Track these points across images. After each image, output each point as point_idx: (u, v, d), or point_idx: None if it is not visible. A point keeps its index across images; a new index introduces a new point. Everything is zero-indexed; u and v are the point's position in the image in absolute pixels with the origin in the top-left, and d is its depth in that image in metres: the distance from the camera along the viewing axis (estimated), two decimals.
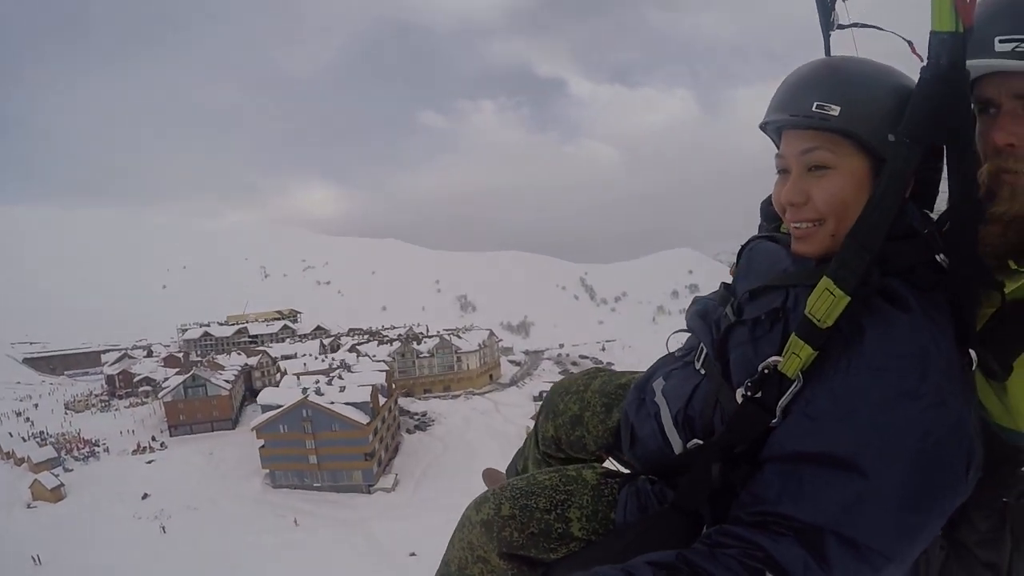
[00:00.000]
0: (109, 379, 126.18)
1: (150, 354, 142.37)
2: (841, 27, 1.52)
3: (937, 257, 1.26)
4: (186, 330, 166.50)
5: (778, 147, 1.48)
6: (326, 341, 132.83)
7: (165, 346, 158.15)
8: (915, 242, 1.30)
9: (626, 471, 1.92)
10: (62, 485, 72.45)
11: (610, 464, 2.04)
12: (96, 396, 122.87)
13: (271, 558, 53.64)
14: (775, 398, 1.27)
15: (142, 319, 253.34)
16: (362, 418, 72.13)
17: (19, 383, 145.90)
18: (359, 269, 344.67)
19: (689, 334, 1.83)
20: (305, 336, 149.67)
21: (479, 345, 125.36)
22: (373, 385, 78.05)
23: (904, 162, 1.22)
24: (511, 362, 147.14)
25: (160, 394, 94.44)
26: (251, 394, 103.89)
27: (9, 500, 70.30)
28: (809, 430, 1.20)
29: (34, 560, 56.35)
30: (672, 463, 1.62)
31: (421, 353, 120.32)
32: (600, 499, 1.70)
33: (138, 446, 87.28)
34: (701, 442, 1.52)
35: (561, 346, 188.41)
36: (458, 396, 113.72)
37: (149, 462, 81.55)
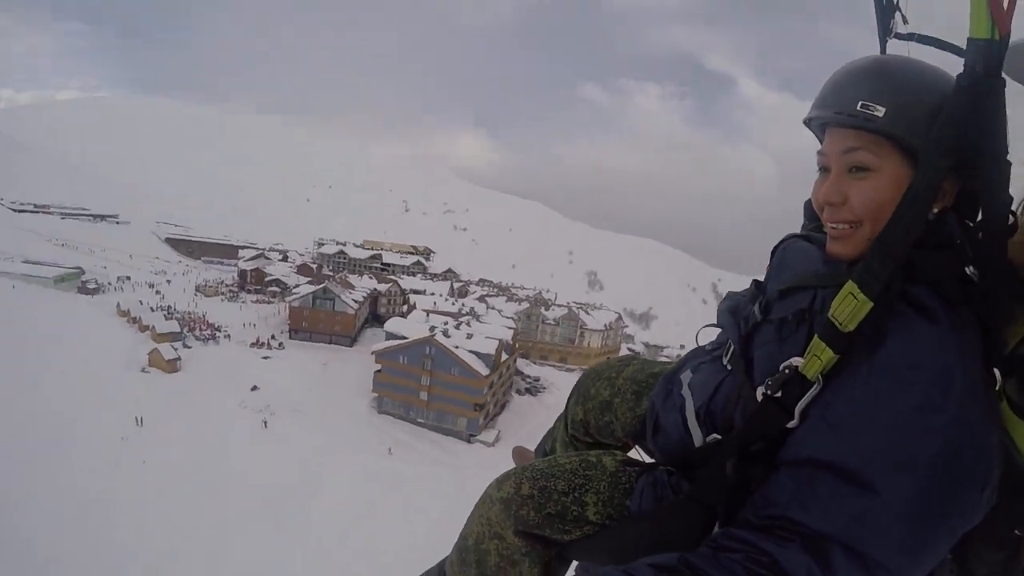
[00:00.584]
0: (241, 273, 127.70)
1: (285, 258, 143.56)
2: (899, 36, 1.49)
3: (967, 269, 1.22)
4: (323, 244, 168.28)
5: (821, 144, 1.43)
6: (456, 285, 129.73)
7: (300, 255, 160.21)
8: (946, 252, 1.25)
9: (649, 460, 1.93)
10: (179, 359, 72.12)
11: (636, 452, 2.07)
12: (226, 286, 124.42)
13: (359, 479, 51.22)
14: (794, 399, 1.26)
15: (280, 226, 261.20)
16: (482, 369, 68.73)
17: (157, 258, 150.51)
18: (497, 223, 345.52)
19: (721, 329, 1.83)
20: (436, 275, 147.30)
21: (605, 326, 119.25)
22: (500, 340, 74.43)
23: (934, 170, 1.18)
24: (630, 350, 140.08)
25: (288, 298, 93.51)
26: (373, 318, 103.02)
27: (127, 362, 70.62)
28: (824, 437, 1.18)
29: (137, 421, 55.68)
30: (691, 456, 1.62)
31: (547, 319, 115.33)
32: (617, 486, 1.73)
33: (257, 340, 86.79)
34: (720, 437, 1.52)
35: (682, 347, 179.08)
36: (572, 370, 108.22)
37: (265, 358, 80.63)
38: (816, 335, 1.23)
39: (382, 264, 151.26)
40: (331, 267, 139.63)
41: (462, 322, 79.36)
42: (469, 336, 73.66)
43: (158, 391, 63.15)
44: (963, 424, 1.07)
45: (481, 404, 68.90)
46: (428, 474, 56.55)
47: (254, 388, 68.35)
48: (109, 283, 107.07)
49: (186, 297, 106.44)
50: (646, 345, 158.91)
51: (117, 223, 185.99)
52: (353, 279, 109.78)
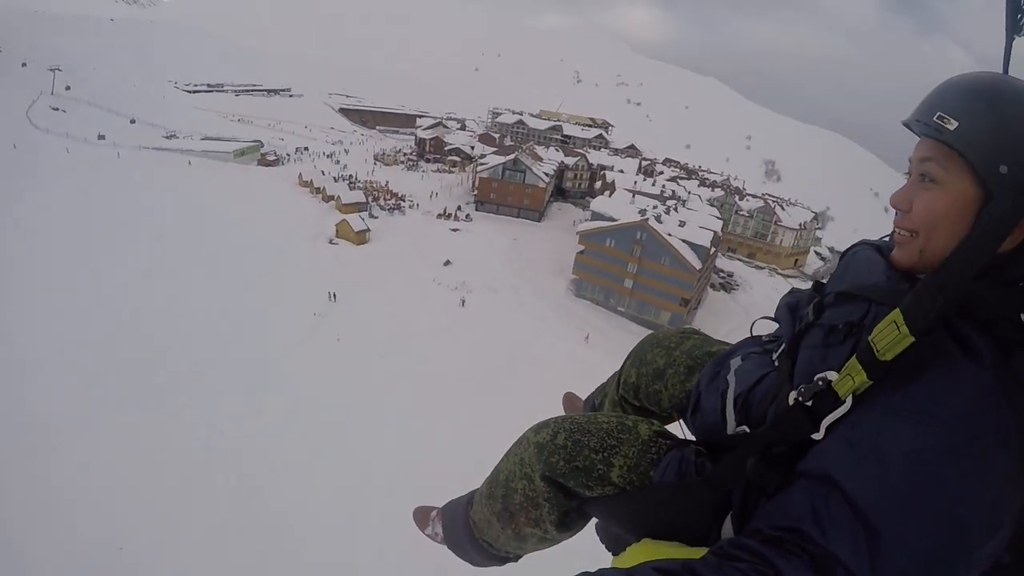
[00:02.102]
0: (420, 141, 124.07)
1: (463, 127, 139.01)
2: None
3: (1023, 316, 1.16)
4: (499, 114, 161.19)
5: None
6: (643, 163, 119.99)
7: (477, 123, 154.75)
8: (1011, 292, 1.20)
9: (690, 438, 1.94)
10: (368, 230, 68.89)
11: (679, 426, 2.09)
12: (404, 155, 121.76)
13: (558, 367, 45.37)
14: (823, 413, 1.25)
15: (451, 96, 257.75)
16: (694, 261, 61.48)
17: (332, 128, 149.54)
18: (672, 99, 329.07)
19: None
20: (619, 151, 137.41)
21: (799, 225, 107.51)
22: (714, 231, 66.78)
23: (1012, 208, 1.14)
24: (816, 253, 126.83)
25: (477, 168, 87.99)
26: (558, 192, 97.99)
27: (314, 234, 68.47)
28: (845, 458, 1.16)
29: (330, 296, 52.59)
30: (719, 441, 1.68)
31: (740, 210, 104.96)
32: (646, 454, 1.74)
33: (444, 211, 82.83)
34: (748, 430, 1.56)
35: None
36: (762, 268, 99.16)
37: (454, 230, 76.54)
38: (855, 355, 1.21)
39: (562, 136, 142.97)
40: (510, 137, 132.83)
41: (669, 208, 71.41)
42: (681, 224, 66.02)
43: (348, 264, 60.30)
44: (980, 476, 1.05)
45: (688, 299, 62.54)
46: None
47: (447, 263, 64.24)
48: (288, 154, 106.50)
49: (365, 166, 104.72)
50: (831, 250, 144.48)
51: (291, 96, 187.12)
52: (540, 151, 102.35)
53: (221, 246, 57.54)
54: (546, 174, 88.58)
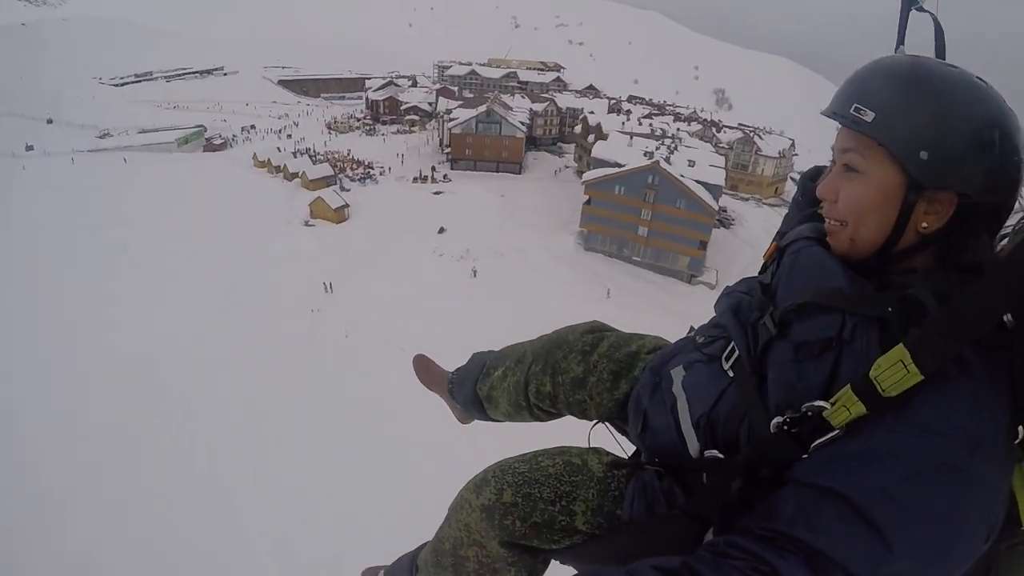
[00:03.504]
0: (372, 104, 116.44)
1: (415, 84, 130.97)
2: (920, 9, 1.53)
3: (1005, 317, 1.12)
4: (447, 68, 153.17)
5: None
6: (610, 103, 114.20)
7: (426, 77, 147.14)
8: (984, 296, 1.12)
9: (623, 450, 1.89)
10: (347, 206, 62.30)
11: (608, 428, 2.03)
12: (358, 119, 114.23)
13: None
14: (811, 438, 1.21)
15: (388, 54, 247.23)
16: (711, 201, 57.66)
17: (275, 102, 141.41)
18: (615, 36, 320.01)
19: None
20: (578, 92, 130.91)
21: (779, 153, 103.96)
22: (725, 168, 64.32)
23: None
24: (791, 179, 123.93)
25: (448, 124, 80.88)
26: (530, 141, 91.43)
27: (286, 218, 61.98)
28: (839, 469, 1.14)
29: (325, 287, 46.36)
30: (685, 463, 1.55)
31: (720, 143, 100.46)
32: (606, 493, 1.70)
33: (420, 174, 76.73)
34: (720, 456, 1.45)
35: None
36: (747, 199, 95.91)
37: (436, 193, 70.91)
38: (849, 387, 1.15)
39: (519, 82, 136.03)
40: (470, 90, 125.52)
41: (673, 148, 66.62)
42: (691, 163, 61.58)
43: (334, 247, 54.15)
44: (983, 484, 1.06)
45: (707, 241, 58.66)
46: (656, 322, 44.57)
47: (441, 230, 58.83)
48: (234, 136, 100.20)
49: (319, 137, 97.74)
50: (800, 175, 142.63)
51: (224, 74, 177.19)
52: (506, 99, 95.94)
53: (188, 247, 50.89)
54: (522, 123, 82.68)
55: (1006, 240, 1.27)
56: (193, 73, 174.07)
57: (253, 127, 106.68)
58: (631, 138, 68.04)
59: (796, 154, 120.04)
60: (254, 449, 29.15)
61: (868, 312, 1.20)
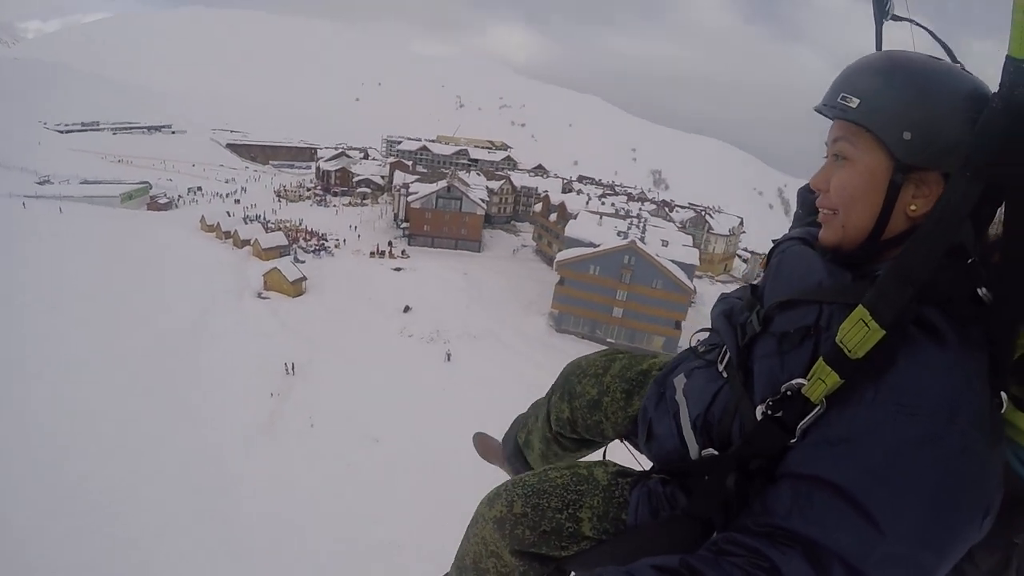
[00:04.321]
0: (324, 174, 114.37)
1: (367, 156, 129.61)
2: (896, 18, 1.59)
3: (979, 291, 1.17)
4: (397, 142, 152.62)
5: None
6: (564, 184, 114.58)
7: (376, 151, 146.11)
8: (959, 271, 1.21)
9: (639, 465, 1.92)
10: (304, 278, 58.75)
11: (626, 446, 2.08)
12: (307, 189, 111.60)
13: None
14: (796, 419, 1.23)
15: (335, 127, 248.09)
16: (687, 281, 57.18)
17: (222, 165, 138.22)
18: (556, 118, 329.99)
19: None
20: (528, 172, 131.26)
21: (729, 231, 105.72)
22: (697, 247, 64.63)
23: (962, 197, 1.14)
24: (739, 257, 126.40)
25: (409, 198, 78.68)
26: (486, 220, 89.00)
27: (238, 288, 57.46)
28: (824, 455, 1.16)
29: (286, 369, 42.25)
30: (687, 467, 1.61)
31: (658, 224, 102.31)
32: (611, 500, 1.73)
33: (377, 249, 73.76)
34: (716, 452, 1.49)
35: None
36: (701, 277, 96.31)
37: (396, 269, 67.83)
38: (821, 358, 1.20)
39: (469, 160, 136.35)
40: (420, 164, 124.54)
41: (643, 225, 66.65)
42: (665, 243, 61.43)
43: (292, 324, 50.20)
44: (967, 455, 1.07)
45: (682, 321, 57.29)
46: None
47: (407, 309, 55.73)
48: (180, 196, 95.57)
49: (267, 204, 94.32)
50: (749, 251, 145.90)
51: (172, 133, 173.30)
52: (463, 176, 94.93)
53: (127, 316, 45.90)
54: (482, 200, 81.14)
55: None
56: (141, 128, 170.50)
57: (200, 189, 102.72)
58: (600, 218, 67.17)
59: (744, 231, 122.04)
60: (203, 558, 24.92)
61: (843, 300, 1.24)
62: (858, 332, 1.13)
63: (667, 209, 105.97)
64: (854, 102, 1.27)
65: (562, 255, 59.95)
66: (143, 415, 33.85)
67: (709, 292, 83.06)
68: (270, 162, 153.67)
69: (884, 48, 1.64)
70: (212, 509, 27.59)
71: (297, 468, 31.35)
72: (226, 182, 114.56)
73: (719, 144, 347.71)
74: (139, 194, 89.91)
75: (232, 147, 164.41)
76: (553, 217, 76.33)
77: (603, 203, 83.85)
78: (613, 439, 2.15)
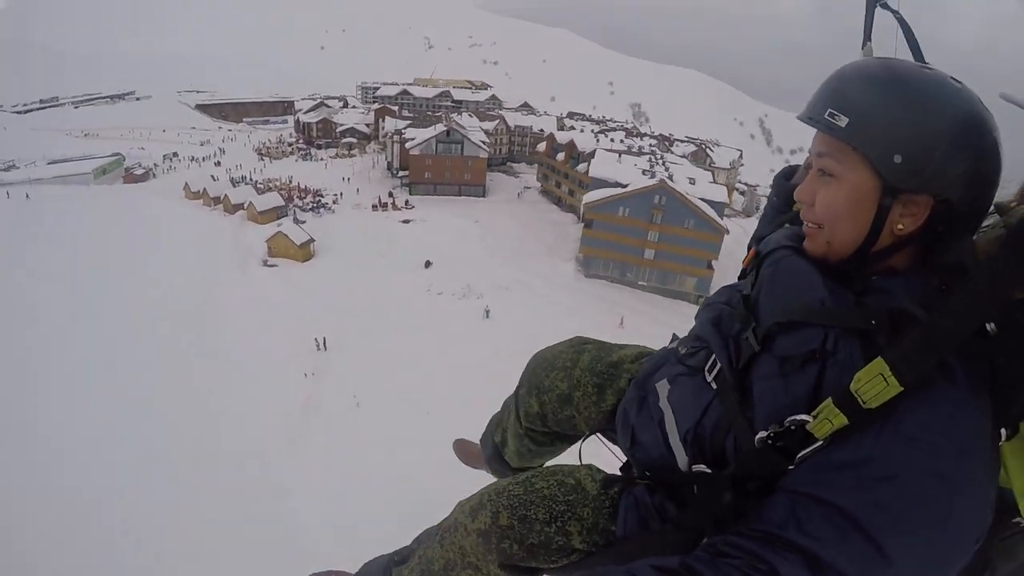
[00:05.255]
0: (305, 127, 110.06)
1: (346, 105, 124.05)
2: (885, 7, 1.58)
3: (988, 326, 1.14)
4: (375, 89, 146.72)
5: None
6: (558, 120, 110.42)
7: (354, 98, 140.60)
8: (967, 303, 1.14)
9: (618, 460, 1.91)
10: (312, 240, 54.90)
11: (601, 440, 2.05)
12: (288, 144, 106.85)
13: None
14: (796, 449, 1.23)
15: (303, 77, 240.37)
16: (718, 219, 54.52)
17: (194, 128, 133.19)
18: (528, 54, 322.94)
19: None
20: (513, 110, 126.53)
21: (730, 164, 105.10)
22: (727, 184, 63.57)
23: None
24: (737, 190, 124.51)
25: (409, 145, 74.47)
26: None
27: (240, 258, 53.64)
28: (829, 479, 1.15)
29: (317, 344, 38.75)
30: (675, 478, 1.58)
31: (675, 160, 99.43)
32: (600, 511, 1.69)
33: (379, 201, 69.98)
34: (708, 470, 1.47)
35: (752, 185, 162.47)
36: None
37: (405, 222, 64.23)
38: (831, 400, 1.17)
39: (453, 101, 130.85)
40: (404, 109, 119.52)
41: (663, 162, 63.54)
42: (692, 181, 58.29)
43: (310, 292, 46.60)
44: (973, 490, 1.07)
45: (715, 260, 54.96)
46: None
47: (428, 264, 52.36)
48: (156, 164, 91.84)
49: (250, 164, 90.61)
50: (746, 184, 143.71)
51: (137, 99, 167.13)
52: (457, 118, 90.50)
53: (130, 302, 41.94)
54: (483, 142, 77.15)
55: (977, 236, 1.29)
56: (103, 98, 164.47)
57: (175, 155, 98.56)
58: (619, 156, 63.59)
59: (743, 164, 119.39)
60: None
61: (850, 325, 1.22)
62: (875, 386, 1.12)
63: (667, 144, 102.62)
64: (842, 120, 1.24)
65: (589, 196, 56.68)
66: (166, 413, 30.61)
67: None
68: (243, 120, 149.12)
69: (872, 35, 1.63)
70: (261, 514, 24.37)
71: (350, 456, 28.02)
72: (201, 144, 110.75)
73: (697, 75, 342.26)
74: (113, 167, 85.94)
75: (202, 108, 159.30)
76: (561, 156, 72.47)
77: (600, 140, 79.55)
78: (586, 434, 2.05)
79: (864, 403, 1.12)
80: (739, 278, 1.67)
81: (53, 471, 26.23)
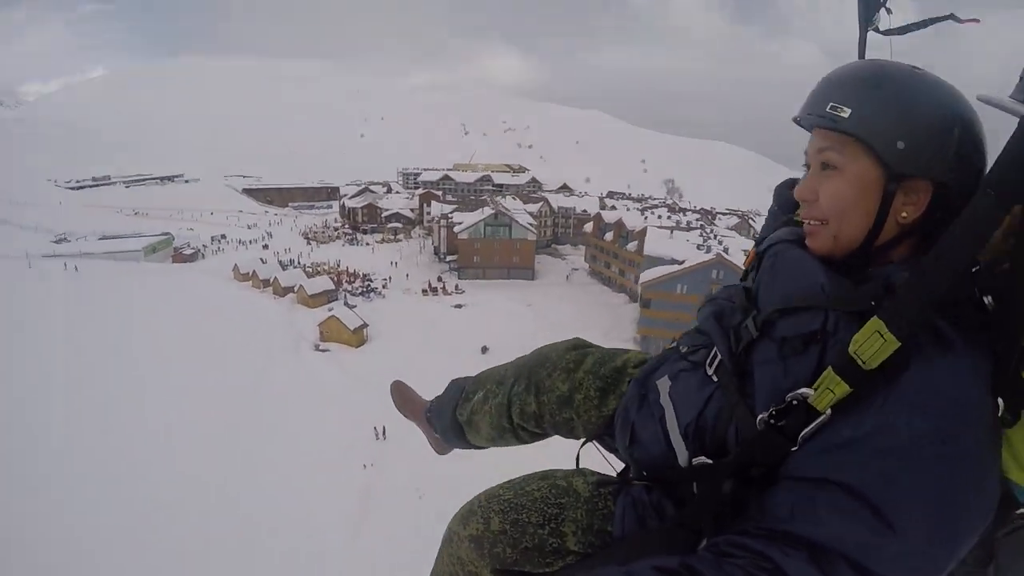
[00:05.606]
0: (350, 212, 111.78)
1: (390, 190, 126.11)
2: (878, 31, 1.61)
3: (985, 299, 1.16)
4: (416, 174, 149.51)
5: None
6: (601, 200, 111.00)
7: (397, 184, 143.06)
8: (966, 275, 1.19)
9: (612, 468, 1.84)
10: (366, 325, 54.38)
11: (596, 447, 1.97)
12: (334, 229, 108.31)
13: None
14: (799, 428, 1.21)
15: (345, 165, 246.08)
16: None
17: (241, 211, 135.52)
18: (562, 137, 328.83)
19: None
20: (556, 192, 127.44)
21: None
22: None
23: (984, 214, 1.11)
24: None
25: (457, 229, 75.07)
26: None
27: (292, 342, 52.66)
28: (831, 458, 1.14)
29: (376, 434, 37.23)
30: (675, 474, 1.53)
31: (724, 234, 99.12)
32: (595, 512, 1.65)
33: (429, 286, 70.13)
34: (709, 461, 1.43)
35: None
36: None
37: (457, 306, 63.74)
38: (831, 367, 1.18)
39: (494, 185, 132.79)
40: (448, 194, 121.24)
41: (709, 237, 63.28)
42: (747, 253, 56.15)
43: (362, 378, 44.90)
44: (977, 454, 1.07)
45: None
46: None
47: (484, 350, 51.36)
48: (204, 245, 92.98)
49: (297, 248, 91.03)
50: None
51: (186, 182, 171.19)
52: (501, 201, 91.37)
53: (180, 384, 40.87)
54: (531, 224, 77.14)
55: None
56: (154, 179, 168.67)
57: (223, 236, 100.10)
58: (671, 232, 63.03)
59: None
60: None
61: (849, 308, 1.23)
62: (873, 343, 1.12)
63: (710, 217, 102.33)
64: (845, 112, 1.27)
65: (646, 275, 56.15)
66: (216, 502, 29.54)
67: None
68: (288, 204, 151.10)
69: (867, 56, 1.64)
70: None
71: (415, 549, 26.74)
72: (248, 227, 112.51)
73: (727, 147, 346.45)
74: (163, 246, 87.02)
75: (248, 192, 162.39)
76: (609, 236, 72.24)
77: (648, 218, 79.38)
78: (583, 439, 1.94)
79: (864, 363, 1.13)
80: (741, 279, 1.66)
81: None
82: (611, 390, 1.90)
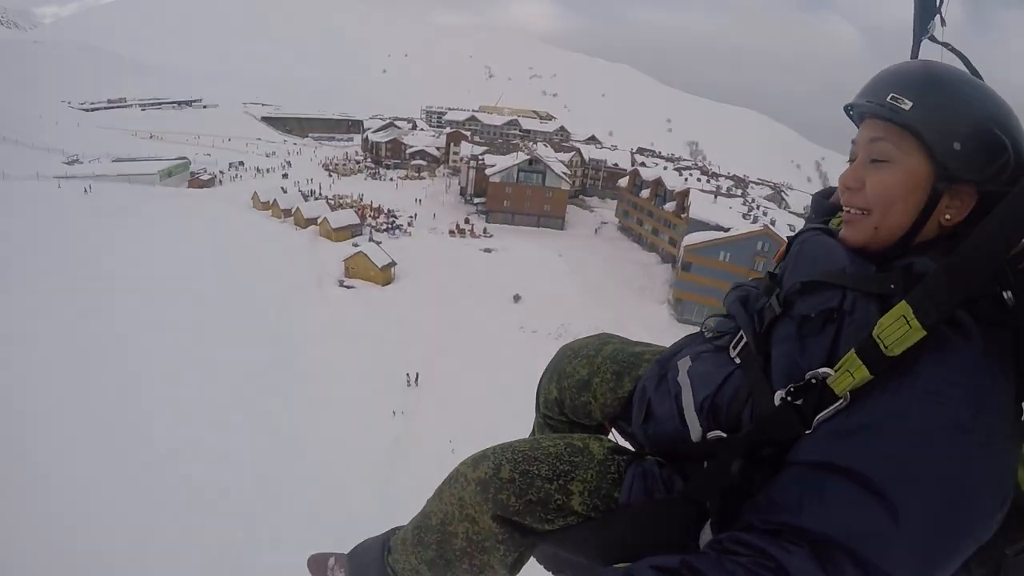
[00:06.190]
0: (373, 146, 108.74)
1: (415, 127, 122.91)
2: (933, 40, 1.59)
3: (1005, 294, 1.16)
4: (441, 113, 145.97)
5: None
6: (632, 155, 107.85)
7: (421, 121, 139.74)
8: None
9: (629, 447, 1.86)
10: (395, 263, 52.52)
11: (613, 435, 2.01)
12: (356, 162, 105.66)
13: None
14: (815, 409, 1.22)
15: (365, 98, 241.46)
16: None
17: (260, 139, 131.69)
18: (587, 88, 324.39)
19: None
20: (584, 142, 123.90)
21: (804, 208, 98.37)
22: None
23: None
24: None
25: (489, 171, 72.68)
26: None
27: (314, 274, 50.75)
28: (841, 443, 1.15)
29: (408, 380, 35.88)
30: (687, 449, 1.57)
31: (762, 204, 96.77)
32: (605, 475, 1.65)
33: (457, 227, 68.00)
34: (724, 435, 1.46)
35: None
36: None
37: (487, 250, 61.66)
38: (853, 351, 1.18)
39: (521, 130, 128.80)
40: (475, 135, 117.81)
41: (763, 208, 61.73)
42: (792, 229, 55.06)
43: (393, 320, 43.66)
44: (991, 447, 1.07)
45: None
46: None
47: (516, 298, 49.66)
48: (221, 171, 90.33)
49: (318, 179, 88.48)
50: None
51: (204, 107, 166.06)
52: (534, 148, 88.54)
53: (200, 314, 38.67)
54: (566, 174, 74.72)
55: None
56: (170, 103, 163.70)
57: (241, 163, 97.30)
58: (715, 197, 61.04)
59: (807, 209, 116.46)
60: None
61: (871, 290, 1.24)
62: (898, 329, 1.12)
63: (743, 185, 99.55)
64: (906, 104, 1.25)
65: (690, 238, 54.32)
66: (236, 443, 27.99)
67: None
68: (309, 135, 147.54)
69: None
70: None
71: None
72: (267, 156, 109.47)
73: (755, 115, 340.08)
74: (179, 171, 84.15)
75: (267, 120, 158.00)
76: (645, 194, 69.91)
77: (687, 179, 76.64)
78: (599, 421, 2.02)
79: (886, 348, 1.12)
80: (771, 272, 1.66)
81: (129, 489, 24.01)
82: (626, 373, 1.93)
